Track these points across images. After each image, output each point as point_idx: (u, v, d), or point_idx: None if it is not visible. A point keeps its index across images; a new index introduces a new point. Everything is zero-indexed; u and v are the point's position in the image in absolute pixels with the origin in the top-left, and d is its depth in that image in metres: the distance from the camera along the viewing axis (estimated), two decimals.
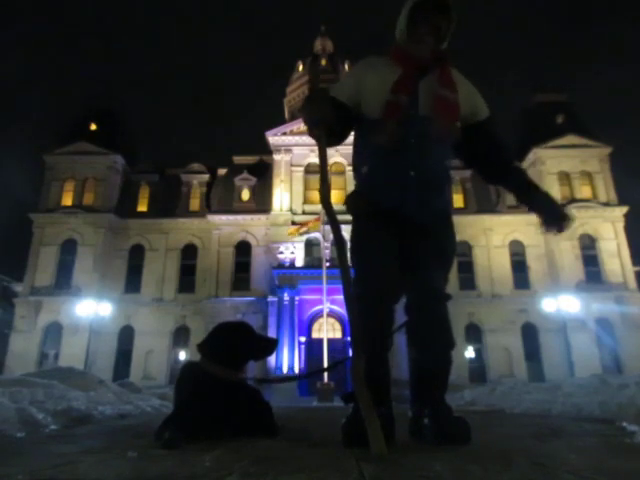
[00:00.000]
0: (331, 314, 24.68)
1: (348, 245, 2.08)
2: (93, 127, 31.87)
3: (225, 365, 2.34)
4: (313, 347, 24.89)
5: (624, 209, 28.99)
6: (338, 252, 1.97)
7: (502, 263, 28.74)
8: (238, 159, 32.33)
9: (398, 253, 2.16)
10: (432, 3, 2.10)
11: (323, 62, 39.06)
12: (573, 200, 29.18)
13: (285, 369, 23.88)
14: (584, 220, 28.67)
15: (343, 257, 1.96)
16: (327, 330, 21.45)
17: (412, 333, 2.21)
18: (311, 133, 2.14)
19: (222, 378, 2.30)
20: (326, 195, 2.05)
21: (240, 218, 29.36)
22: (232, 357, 2.39)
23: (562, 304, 24.04)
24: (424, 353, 2.16)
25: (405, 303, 2.25)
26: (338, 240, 1.98)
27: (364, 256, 2.17)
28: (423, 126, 2.10)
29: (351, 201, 2.30)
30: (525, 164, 31.44)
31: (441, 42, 2.18)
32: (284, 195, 29.28)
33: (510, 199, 30.44)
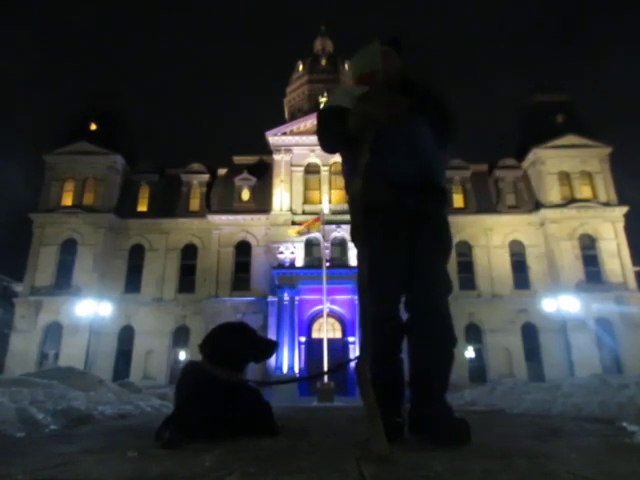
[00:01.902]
0: (331, 314, 24.67)
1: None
2: (93, 127, 31.84)
3: (226, 366, 2.35)
4: (313, 347, 24.88)
5: (624, 209, 28.96)
6: (359, 271, 1.94)
7: (502, 263, 28.72)
8: (238, 159, 32.30)
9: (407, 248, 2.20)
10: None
11: (323, 62, 39.06)
12: (573, 200, 29.19)
13: (285, 369, 23.87)
14: (584, 220, 28.67)
15: (362, 275, 1.93)
16: (327, 330, 21.42)
17: (412, 330, 2.20)
18: (327, 151, 2.40)
19: (223, 378, 2.30)
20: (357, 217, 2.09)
21: (240, 218, 29.34)
22: (233, 358, 2.39)
23: (562, 304, 24.03)
24: (424, 350, 2.14)
25: (405, 299, 2.25)
26: (360, 265, 1.95)
27: (378, 257, 2.14)
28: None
29: (366, 190, 2.17)
30: (525, 164, 31.50)
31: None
32: (284, 195, 29.27)
33: (510, 199, 30.55)
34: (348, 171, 2.38)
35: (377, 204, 2.19)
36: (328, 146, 2.38)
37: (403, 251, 2.18)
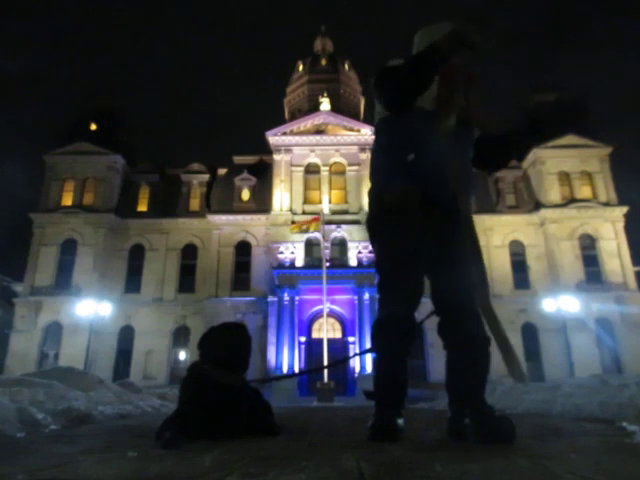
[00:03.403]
0: (331, 314, 24.67)
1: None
2: (93, 127, 31.85)
3: (226, 366, 2.35)
4: (313, 347, 24.88)
5: (624, 209, 28.96)
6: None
7: (502, 263, 28.70)
8: (238, 159, 32.30)
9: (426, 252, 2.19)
10: None
11: (323, 62, 39.04)
12: (573, 200, 29.19)
13: (285, 369, 23.88)
14: (584, 220, 28.67)
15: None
16: (327, 330, 21.44)
17: (446, 333, 2.19)
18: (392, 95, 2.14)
19: (223, 379, 2.30)
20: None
21: (240, 218, 29.34)
22: (233, 358, 2.39)
23: (562, 304, 24.03)
24: (461, 352, 2.13)
25: (434, 302, 2.23)
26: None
27: (397, 258, 2.17)
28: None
29: (401, 194, 2.16)
30: (525, 164, 31.49)
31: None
32: (284, 195, 29.26)
33: (510, 199, 30.53)
34: (377, 150, 2.36)
35: (405, 204, 2.14)
36: (397, 89, 2.10)
37: (424, 254, 2.15)
